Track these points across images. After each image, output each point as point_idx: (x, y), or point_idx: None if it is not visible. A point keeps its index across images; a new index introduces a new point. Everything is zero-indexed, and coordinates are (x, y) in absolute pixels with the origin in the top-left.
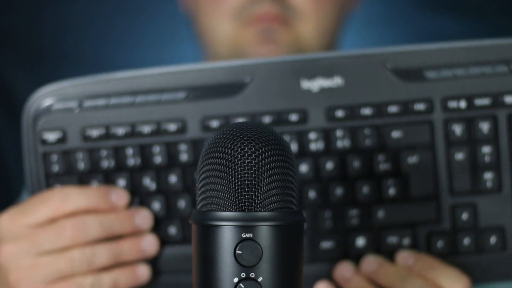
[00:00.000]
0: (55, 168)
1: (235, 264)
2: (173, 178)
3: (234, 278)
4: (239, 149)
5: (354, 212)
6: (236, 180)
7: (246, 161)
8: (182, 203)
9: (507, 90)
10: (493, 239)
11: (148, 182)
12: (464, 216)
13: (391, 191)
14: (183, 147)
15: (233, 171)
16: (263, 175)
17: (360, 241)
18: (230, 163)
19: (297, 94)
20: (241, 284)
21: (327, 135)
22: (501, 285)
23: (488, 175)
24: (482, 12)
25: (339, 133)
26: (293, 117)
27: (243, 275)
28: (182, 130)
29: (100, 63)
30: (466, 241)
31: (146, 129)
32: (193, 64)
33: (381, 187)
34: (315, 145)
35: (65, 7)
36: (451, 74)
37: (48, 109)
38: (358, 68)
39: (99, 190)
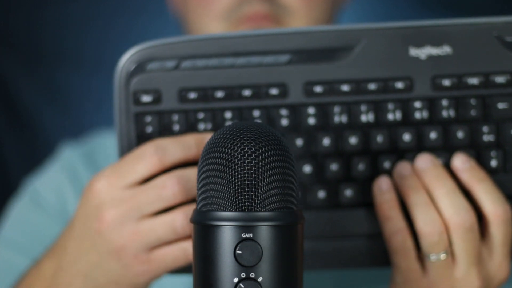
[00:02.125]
0: (149, 129)
1: (235, 264)
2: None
3: (234, 278)
4: (239, 149)
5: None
6: (236, 180)
7: (246, 161)
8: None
9: None
10: None
11: None
12: None
13: (493, 163)
14: (283, 111)
15: (233, 171)
16: (263, 175)
17: None
18: (230, 163)
19: (404, 61)
20: (241, 284)
21: (432, 104)
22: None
23: None
24: (482, 12)
25: (444, 102)
26: (399, 85)
27: (243, 275)
28: (283, 94)
29: (100, 63)
30: None
31: (246, 92)
32: (298, 27)
33: (483, 158)
34: (420, 114)
35: (65, 7)
36: None
37: (143, 68)
38: (466, 37)
39: (195, 138)
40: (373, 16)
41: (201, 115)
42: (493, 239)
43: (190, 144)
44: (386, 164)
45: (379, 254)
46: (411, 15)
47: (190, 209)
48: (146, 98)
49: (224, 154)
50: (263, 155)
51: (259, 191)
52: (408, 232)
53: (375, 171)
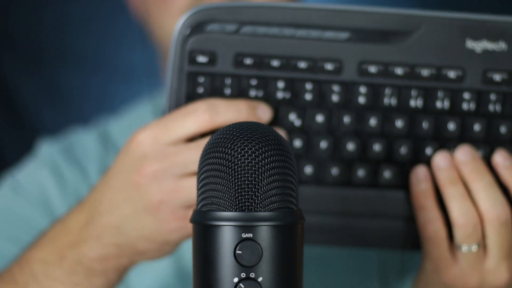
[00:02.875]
0: (200, 89)
1: (235, 264)
2: (319, 118)
3: (234, 278)
4: (239, 149)
5: None
6: (236, 180)
7: (246, 161)
8: (324, 144)
9: None
10: None
11: (293, 118)
12: None
13: None
14: (336, 87)
15: (233, 171)
16: (263, 175)
17: None
18: (230, 163)
19: (459, 52)
20: (241, 284)
21: (480, 97)
22: None
23: None
24: (483, 12)
25: (492, 96)
26: (451, 74)
27: (243, 275)
28: (338, 70)
29: (100, 63)
30: None
31: (302, 64)
32: (360, 6)
33: None
34: (467, 105)
35: (65, 7)
36: None
37: (202, 29)
38: None
39: (247, 104)
40: None
41: (254, 82)
42: None
43: (242, 109)
44: (428, 151)
45: (412, 238)
46: None
47: None
48: (201, 59)
49: (224, 154)
50: (263, 155)
51: (259, 191)
52: (442, 222)
53: (417, 156)
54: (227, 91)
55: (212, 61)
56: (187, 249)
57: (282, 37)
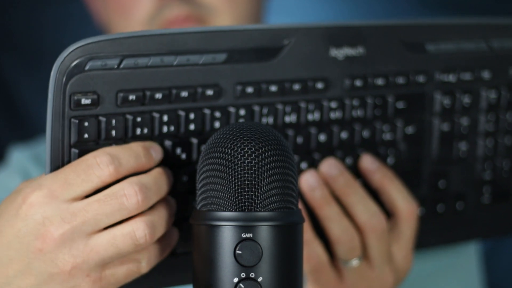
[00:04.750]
0: (85, 135)
1: (235, 264)
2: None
3: (234, 278)
4: (239, 149)
5: None
6: (236, 180)
7: (246, 161)
8: None
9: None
10: None
11: (180, 152)
12: None
13: (390, 160)
14: (217, 114)
15: (233, 171)
16: (263, 175)
17: None
18: (230, 163)
19: (324, 62)
20: (241, 284)
21: (344, 105)
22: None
23: None
24: (482, 12)
25: (355, 102)
26: (318, 85)
27: (243, 275)
28: (217, 96)
29: None
30: None
31: (183, 93)
32: (233, 25)
33: (382, 156)
34: (334, 114)
35: (65, 7)
36: None
37: (82, 67)
38: (377, 39)
39: (142, 147)
40: (371, 14)
41: (139, 119)
42: (403, 235)
43: (139, 153)
44: (303, 165)
45: None
46: (411, 15)
47: (148, 217)
48: (84, 101)
49: (224, 154)
50: (263, 155)
51: (259, 191)
52: (321, 248)
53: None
54: (113, 132)
55: (95, 102)
56: None
57: (163, 66)
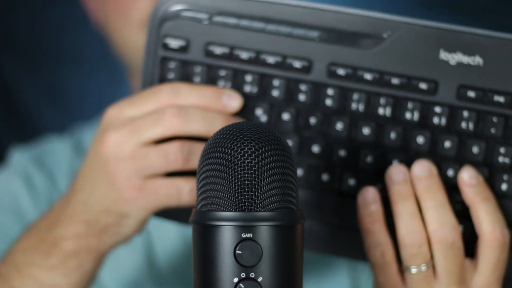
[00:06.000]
0: (171, 75)
1: (235, 264)
2: (285, 116)
3: (234, 278)
4: (239, 149)
5: None
6: (236, 180)
7: (246, 161)
8: (289, 143)
9: None
10: None
11: (260, 113)
12: None
13: (504, 186)
14: (303, 87)
15: (233, 171)
16: (263, 175)
17: None
18: (230, 163)
19: (432, 63)
20: (241, 284)
21: (452, 112)
22: None
23: None
24: (483, 12)
25: (465, 113)
26: (423, 85)
27: (243, 275)
28: (307, 69)
29: (100, 62)
30: None
31: (271, 59)
32: (334, 5)
33: (494, 179)
34: (438, 120)
35: (65, 7)
36: None
37: (177, 15)
38: (500, 51)
39: (211, 89)
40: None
41: (223, 73)
42: (482, 261)
43: (206, 94)
44: (394, 162)
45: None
46: (411, 15)
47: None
48: (174, 44)
49: (224, 154)
50: (263, 155)
51: (259, 191)
52: (390, 246)
53: (383, 166)
54: (197, 79)
55: (184, 48)
56: (158, 245)
57: (252, 30)
